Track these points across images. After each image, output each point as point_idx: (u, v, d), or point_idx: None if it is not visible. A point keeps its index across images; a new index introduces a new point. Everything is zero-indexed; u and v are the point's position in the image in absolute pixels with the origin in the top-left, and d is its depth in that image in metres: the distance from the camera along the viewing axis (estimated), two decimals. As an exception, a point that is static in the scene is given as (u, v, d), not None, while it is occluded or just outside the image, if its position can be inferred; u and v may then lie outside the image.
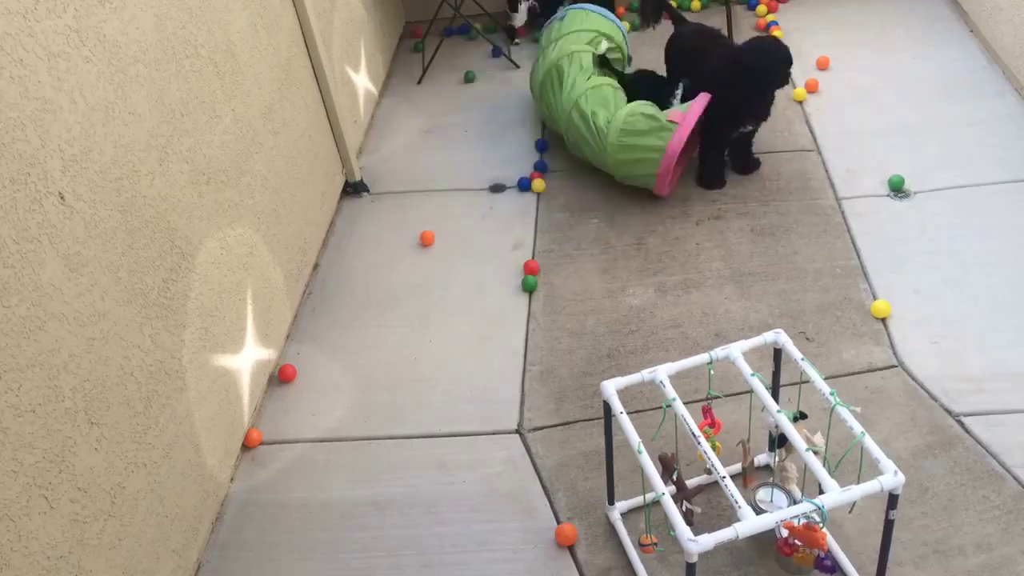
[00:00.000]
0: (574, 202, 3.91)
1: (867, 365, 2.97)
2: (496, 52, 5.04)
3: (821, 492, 2.02)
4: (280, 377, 3.21)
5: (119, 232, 2.28)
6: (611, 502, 2.59)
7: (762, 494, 2.46)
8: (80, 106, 2.15)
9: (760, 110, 3.69)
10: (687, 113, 3.55)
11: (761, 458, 2.67)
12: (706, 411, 2.44)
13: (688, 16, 5.20)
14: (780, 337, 2.35)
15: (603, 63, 4.06)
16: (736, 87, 3.58)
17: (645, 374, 2.29)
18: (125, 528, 2.26)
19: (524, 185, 4.00)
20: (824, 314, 3.18)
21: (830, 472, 2.04)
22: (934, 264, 3.32)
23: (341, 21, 4.15)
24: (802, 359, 2.27)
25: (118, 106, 2.30)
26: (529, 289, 3.45)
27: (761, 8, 5.07)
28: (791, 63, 3.58)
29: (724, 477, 2.04)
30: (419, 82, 4.93)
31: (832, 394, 2.16)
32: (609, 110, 3.76)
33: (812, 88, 4.37)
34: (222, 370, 2.83)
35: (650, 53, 4.77)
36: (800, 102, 4.36)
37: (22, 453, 1.90)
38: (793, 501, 2.44)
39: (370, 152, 4.40)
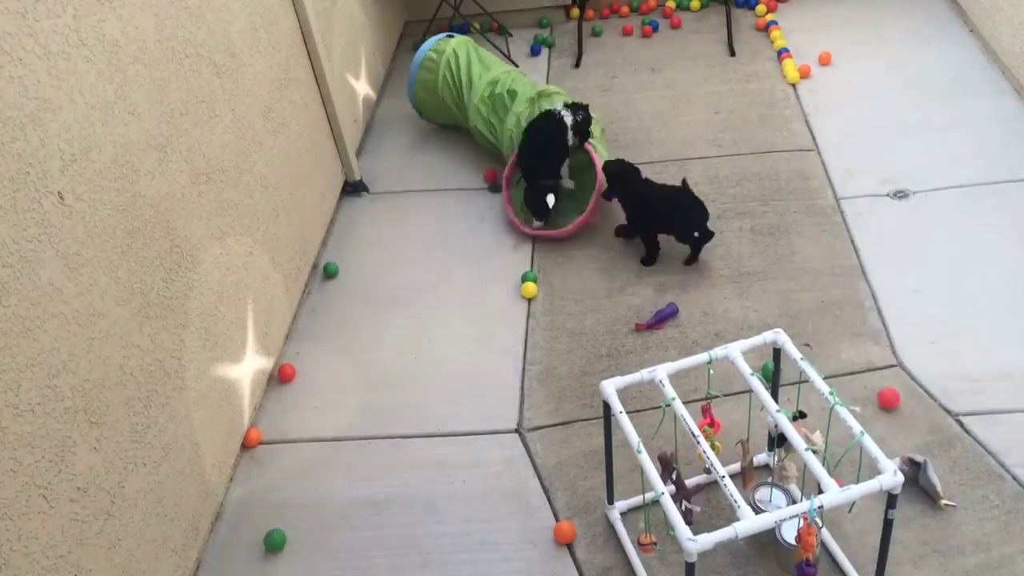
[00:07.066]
0: (574, 202, 3.90)
1: (866, 365, 2.97)
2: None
3: (820, 492, 2.02)
4: (280, 377, 3.21)
5: (118, 232, 2.28)
6: (610, 501, 2.59)
7: (761, 494, 2.46)
8: (79, 105, 2.15)
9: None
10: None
11: (760, 458, 2.67)
12: (705, 411, 2.44)
13: (687, 16, 5.24)
14: (779, 337, 2.35)
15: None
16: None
17: (644, 374, 2.30)
18: (125, 528, 2.26)
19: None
20: (823, 314, 3.18)
21: (829, 471, 2.04)
22: (933, 264, 3.32)
23: (341, 21, 4.14)
24: (801, 359, 2.27)
25: (118, 106, 2.30)
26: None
27: (760, 8, 5.07)
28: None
29: (723, 477, 2.04)
30: (419, 82, 4.92)
31: (831, 393, 2.16)
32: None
33: (805, 73, 4.45)
34: (221, 370, 2.83)
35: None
36: (794, 85, 4.43)
37: (21, 453, 1.90)
38: (792, 500, 2.44)
39: (370, 152, 4.39)
